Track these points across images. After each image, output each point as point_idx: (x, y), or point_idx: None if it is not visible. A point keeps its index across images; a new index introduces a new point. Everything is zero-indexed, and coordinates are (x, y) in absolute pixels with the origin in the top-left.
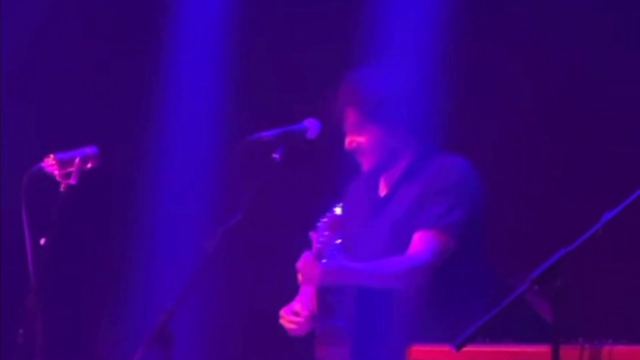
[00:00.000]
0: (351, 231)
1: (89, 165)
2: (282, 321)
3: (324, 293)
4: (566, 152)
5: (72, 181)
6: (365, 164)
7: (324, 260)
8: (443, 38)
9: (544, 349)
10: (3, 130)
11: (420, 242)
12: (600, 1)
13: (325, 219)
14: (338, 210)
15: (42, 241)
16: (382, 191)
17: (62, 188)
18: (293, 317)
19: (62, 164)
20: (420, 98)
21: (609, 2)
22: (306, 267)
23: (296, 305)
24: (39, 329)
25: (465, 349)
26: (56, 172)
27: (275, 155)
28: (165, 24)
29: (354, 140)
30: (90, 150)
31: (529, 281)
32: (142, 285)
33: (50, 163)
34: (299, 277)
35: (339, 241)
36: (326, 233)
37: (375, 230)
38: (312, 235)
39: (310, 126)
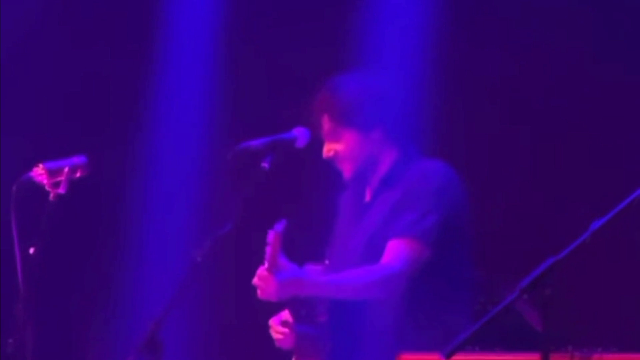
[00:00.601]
0: (338, 237)
1: (78, 175)
2: (271, 331)
3: (294, 304)
4: (554, 160)
5: (61, 190)
6: (346, 172)
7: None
8: (432, 41)
9: (534, 357)
10: None
11: (393, 251)
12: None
13: (269, 234)
14: (278, 226)
15: (31, 250)
16: (367, 197)
17: (51, 197)
18: (281, 327)
19: (51, 173)
20: (400, 102)
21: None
22: (262, 282)
23: (285, 314)
24: (29, 338)
25: (454, 357)
26: (45, 182)
27: (264, 164)
28: (155, 33)
29: (331, 148)
30: (79, 159)
31: (518, 290)
32: (131, 293)
33: (39, 172)
34: (258, 293)
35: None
36: (269, 249)
37: (355, 238)
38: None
39: (300, 135)
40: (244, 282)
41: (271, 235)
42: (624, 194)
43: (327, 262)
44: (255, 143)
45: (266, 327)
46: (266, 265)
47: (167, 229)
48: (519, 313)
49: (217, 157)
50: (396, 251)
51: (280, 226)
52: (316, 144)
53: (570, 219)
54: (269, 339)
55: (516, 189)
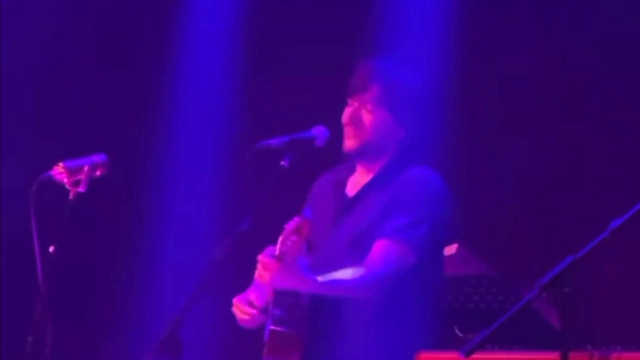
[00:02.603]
0: (316, 229)
1: (98, 173)
2: (234, 309)
3: (280, 296)
4: (574, 158)
5: (81, 189)
6: (351, 144)
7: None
8: (451, 41)
9: (553, 356)
10: (11, 137)
11: (380, 252)
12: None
13: (293, 222)
14: (307, 214)
15: (51, 249)
16: (351, 191)
17: (71, 196)
18: (247, 307)
19: (71, 171)
20: (427, 107)
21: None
22: (264, 266)
23: (251, 294)
24: (48, 337)
25: (474, 356)
26: (65, 180)
27: (283, 163)
28: (174, 31)
29: (356, 113)
30: (99, 158)
31: (537, 288)
32: (151, 292)
33: (59, 171)
34: (256, 274)
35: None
36: (293, 237)
37: (339, 233)
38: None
39: (319, 134)
40: None
41: (297, 223)
42: None
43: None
44: (274, 142)
45: None
46: (277, 252)
47: (186, 227)
48: (537, 312)
49: (236, 156)
50: (384, 252)
51: (307, 216)
52: (336, 142)
53: (590, 217)
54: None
55: (533, 188)
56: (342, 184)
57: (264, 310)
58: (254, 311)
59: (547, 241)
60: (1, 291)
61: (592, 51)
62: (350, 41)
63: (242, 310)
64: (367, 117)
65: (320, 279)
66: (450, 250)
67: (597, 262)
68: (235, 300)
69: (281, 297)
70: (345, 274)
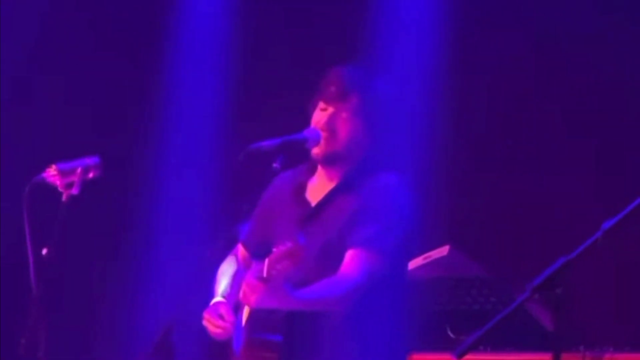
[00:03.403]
0: (274, 232)
1: (91, 175)
2: (205, 323)
3: (256, 311)
4: (565, 159)
5: (74, 191)
6: (319, 150)
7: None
8: (441, 43)
9: (545, 357)
10: (4, 139)
11: (352, 262)
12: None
13: (285, 246)
14: (301, 239)
15: (44, 251)
16: (313, 197)
17: (64, 198)
18: (219, 321)
19: (64, 174)
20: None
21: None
22: (249, 288)
23: (221, 307)
24: (42, 339)
25: (466, 357)
26: (58, 183)
27: (276, 165)
28: (168, 32)
29: (325, 118)
30: (91, 160)
31: (529, 290)
32: (144, 294)
33: (52, 173)
34: (240, 295)
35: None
36: (285, 262)
37: (306, 242)
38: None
39: (311, 136)
40: None
41: (290, 248)
42: (637, 193)
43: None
44: (266, 144)
45: None
46: (265, 274)
47: (180, 229)
48: (530, 313)
49: (229, 158)
50: (356, 262)
51: (302, 239)
52: None
53: (581, 218)
54: None
55: (525, 188)
56: (302, 189)
57: (233, 324)
58: (226, 324)
59: (539, 242)
60: None
61: (592, 57)
62: (344, 42)
63: (215, 324)
64: (342, 126)
65: (300, 296)
66: (442, 252)
67: (589, 263)
68: (206, 314)
69: (258, 312)
70: (323, 288)
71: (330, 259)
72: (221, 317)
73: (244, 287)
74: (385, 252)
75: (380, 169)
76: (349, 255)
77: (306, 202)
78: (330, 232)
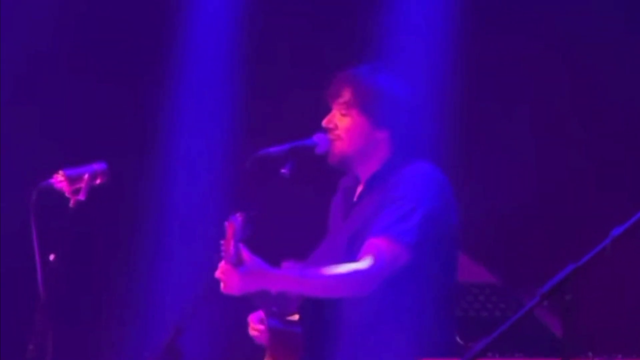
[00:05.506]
0: (326, 240)
1: (98, 181)
2: (249, 328)
3: (266, 301)
4: (577, 166)
5: (81, 197)
6: (336, 152)
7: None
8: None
9: None
10: (10, 146)
11: (366, 250)
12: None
13: (227, 225)
14: (236, 217)
15: (52, 257)
16: (356, 197)
17: (71, 204)
18: (258, 324)
19: (71, 180)
20: (417, 111)
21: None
22: (224, 276)
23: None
24: (49, 344)
25: None
26: (65, 189)
27: (284, 171)
28: (174, 38)
29: (334, 120)
30: (99, 166)
31: (538, 296)
32: (151, 300)
33: (59, 179)
34: (222, 287)
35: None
36: (231, 241)
37: (337, 239)
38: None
39: (320, 141)
40: None
41: (228, 227)
42: None
43: (308, 260)
44: (274, 149)
45: None
46: (226, 259)
47: (187, 234)
48: (539, 320)
49: (237, 164)
50: (370, 250)
51: (237, 218)
52: None
53: (591, 225)
54: None
55: (535, 195)
56: (352, 191)
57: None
58: (263, 327)
59: (549, 249)
60: (2, 299)
61: (597, 56)
62: (354, 44)
63: (253, 327)
64: (341, 122)
65: (287, 273)
66: None
67: (598, 269)
68: (249, 319)
69: (267, 305)
70: (324, 269)
71: (356, 250)
72: (261, 320)
73: (221, 278)
74: (406, 239)
75: (414, 157)
76: (366, 244)
77: (350, 202)
78: (358, 224)
